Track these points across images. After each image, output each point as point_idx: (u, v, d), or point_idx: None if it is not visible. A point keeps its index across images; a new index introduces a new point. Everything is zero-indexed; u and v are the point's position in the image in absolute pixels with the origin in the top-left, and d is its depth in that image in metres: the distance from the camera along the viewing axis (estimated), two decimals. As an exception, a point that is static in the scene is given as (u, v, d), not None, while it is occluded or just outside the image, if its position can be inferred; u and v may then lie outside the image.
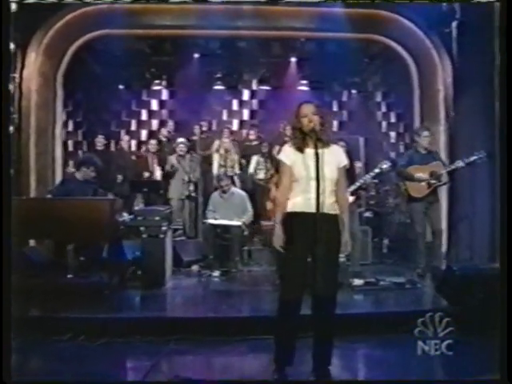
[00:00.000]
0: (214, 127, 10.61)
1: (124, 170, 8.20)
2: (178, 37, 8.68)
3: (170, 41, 9.02)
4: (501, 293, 3.38)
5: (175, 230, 7.48)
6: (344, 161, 3.50)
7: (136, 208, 7.19)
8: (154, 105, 11.21)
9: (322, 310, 3.41)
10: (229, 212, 7.19)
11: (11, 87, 7.06)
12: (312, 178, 3.29)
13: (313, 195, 3.26)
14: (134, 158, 8.50)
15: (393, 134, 11.22)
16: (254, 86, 11.20)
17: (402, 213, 7.84)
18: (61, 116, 8.13)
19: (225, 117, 11.21)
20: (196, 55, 9.59)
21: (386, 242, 7.93)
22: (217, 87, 10.71)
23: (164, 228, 6.09)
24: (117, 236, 5.91)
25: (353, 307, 5.26)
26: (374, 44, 9.07)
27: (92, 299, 5.24)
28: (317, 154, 3.29)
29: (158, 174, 8.28)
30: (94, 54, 8.64)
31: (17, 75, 7.30)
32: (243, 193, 7.36)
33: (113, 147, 9.50)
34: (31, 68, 7.43)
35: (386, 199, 8.28)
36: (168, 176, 8.15)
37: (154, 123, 11.05)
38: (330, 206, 3.36)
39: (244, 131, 10.39)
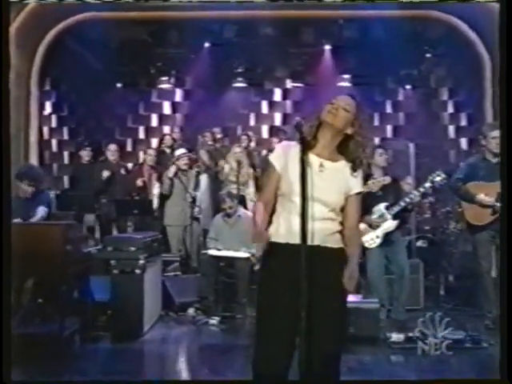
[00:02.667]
0: (237, 134, 9.91)
1: (112, 188, 7.56)
2: (186, 21, 8.09)
3: (176, 27, 8.40)
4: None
5: (169, 263, 6.74)
6: (356, 188, 2.85)
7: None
8: (162, 107, 10.71)
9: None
10: (234, 241, 6.39)
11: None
12: (296, 194, 2.68)
13: (297, 219, 2.62)
14: (123, 172, 7.86)
15: (463, 141, 10.25)
16: (287, 84, 10.51)
17: (468, 242, 6.80)
18: (36, 119, 7.62)
19: (250, 121, 10.66)
20: (208, 44, 9.10)
21: (444, 280, 6.96)
22: (237, 84, 10.01)
23: (142, 261, 5.43)
24: (78, 271, 5.21)
25: (386, 374, 4.42)
26: (434, 24, 8.20)
27: (41, 356, 4.58)
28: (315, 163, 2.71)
29: (155, 192, 7.58)
30: (78, 44, 8.20)
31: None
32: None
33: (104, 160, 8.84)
34: None
35: (446, 224, 7.25)
36: (164, 197, 7.46)
37: (158, 130, 10.49)
38: (327, 236, 2.78)
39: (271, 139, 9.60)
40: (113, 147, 7.94)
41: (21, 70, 7.25)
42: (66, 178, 9.86)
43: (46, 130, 9.81)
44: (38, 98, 7.74)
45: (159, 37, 8.64)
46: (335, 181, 2.79)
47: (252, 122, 10.67)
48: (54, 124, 10.20)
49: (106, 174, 7.45)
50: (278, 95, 10.71)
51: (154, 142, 10.39)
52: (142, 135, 10.67)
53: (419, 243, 7.32)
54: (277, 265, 2.76)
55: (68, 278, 5.06)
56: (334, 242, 2.80)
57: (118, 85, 10.03)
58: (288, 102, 10.70)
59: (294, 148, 2.74)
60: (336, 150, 2.83)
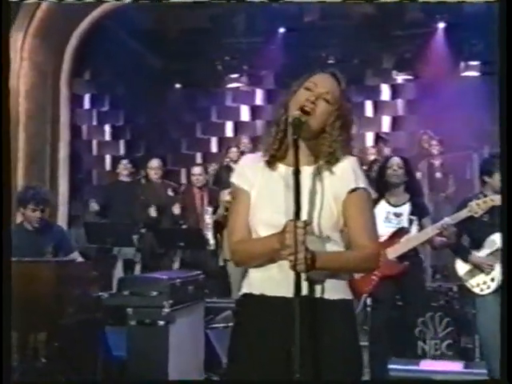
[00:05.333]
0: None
1: (156, 213, 7.38)
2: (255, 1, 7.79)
3: (243, 9, 8.20)
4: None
5: (219, 311, 6.36)
6: (349, 185, 2.42)
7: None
8: (235, 112, 10.49)
9: None
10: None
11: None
12: (266, 224, 2.41)
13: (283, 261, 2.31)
14: (171, 193, 7.62)
15: None
16: (395, 77, 10.02)
17: None
18: (67, 129, 7.52)
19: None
20: (282, 30, 8.81)
21: None
22: None
23: (167, 310, 5.11)
24: (85, 321, 5.00)
25: None
26: None
27: None
28: (296, 175, 2.24)
29: (208, 220, 7.23)
30: (121, 35, 8.11)
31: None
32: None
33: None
34: (17, 58, 6.99)
35: None
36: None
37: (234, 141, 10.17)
38: (328, 282, 2.41)
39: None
40: (155, 163, 7.69)
41: (45, 68, 7.15)
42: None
43: (82, 143, 9.79)
44: (70, 103, 7.59)
45: (224, 23, 8.38)
46: (318, 191, 2.39)
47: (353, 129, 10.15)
48: (94, 135, 10.21)
49: (141, 197, 7.23)
50: (385, 93, 10.16)
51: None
52: (214, 148, 10.43)
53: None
54: (250, 326, 2.44)
55: (68, 330, 4.83)
56: (333, 291, 2.38)
57: (177, 85, 9.90)
58: (399, 102, 10.14)
59: (259, 163, 2.47)
60: (310, 147, 2.42)
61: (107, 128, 10.19)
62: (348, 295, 2.42)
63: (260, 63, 9.50)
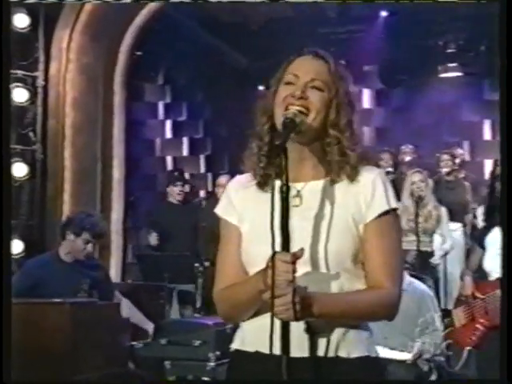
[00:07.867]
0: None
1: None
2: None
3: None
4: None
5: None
6: (374, 209, 2.29)
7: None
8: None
9: None
10: (393, 330, 5.51)
11: (27, 96, 6.81)
12: (257, 263, 2.23)
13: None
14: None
15: None
16: None
17: None
18: (121, 146, 7.54)
19: (483, 133, 10.10)
20: (385, 13, 8.61)
21: None
22: (448, 74, 9.20)
23: (212, 364, 5.01)
24: (117, 376, 4.85)
25: None
26: None
27: None
28: (286, 193, 2.08)
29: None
30: (190, 28, 8.19)
31: (39, 74, 6.93)
32: (426, 289, 5.78)
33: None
34: (62, 60, 7.07)
35: None
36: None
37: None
38: (334, 335, 2.25)
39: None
40: (223, 181, 7.64)
41: (96, 71, 7.23)
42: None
43: (155, 159, 9.91)
44: (125, 112, 7.62)
45: (311, 11, 8.16)
46: (329, 213, 2.24)
47: (487, 135, 10.01)
48: (162, 149, 10.38)
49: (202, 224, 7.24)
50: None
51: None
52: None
53: None
54: None
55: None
56: (351, 346, 2.21)
57: (260, 87, 9.79)
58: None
59: (249, 187, 2.34)
60: (314, 154, 2.26)
61: (185, 141, 10.28)
62: (372, 351, 2.23)
63: (361, 57, 9.32)
